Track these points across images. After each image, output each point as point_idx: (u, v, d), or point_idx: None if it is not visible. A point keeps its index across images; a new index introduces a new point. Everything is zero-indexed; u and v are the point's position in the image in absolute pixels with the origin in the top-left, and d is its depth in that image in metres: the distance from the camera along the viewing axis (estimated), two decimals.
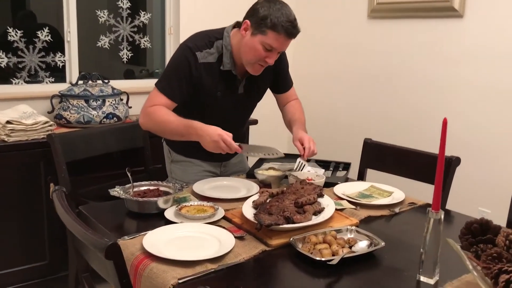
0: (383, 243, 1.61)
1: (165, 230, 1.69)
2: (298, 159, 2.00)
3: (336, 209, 1.88)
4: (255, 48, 1.98)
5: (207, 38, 2.07)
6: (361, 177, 2.59)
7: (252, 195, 2.04)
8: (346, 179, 2.38)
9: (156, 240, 1.60)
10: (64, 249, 2.71)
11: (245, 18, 2.03)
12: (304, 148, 2.11)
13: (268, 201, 1.90)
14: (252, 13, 1.99)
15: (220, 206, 1.92)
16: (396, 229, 1.86)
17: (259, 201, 1.85)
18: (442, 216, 1.42)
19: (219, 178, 2.27)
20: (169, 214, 1.84)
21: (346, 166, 2.54)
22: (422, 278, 1.45)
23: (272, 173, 2.28)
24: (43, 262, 2.82)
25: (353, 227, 1.73)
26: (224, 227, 1.75)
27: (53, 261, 2.84)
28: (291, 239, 1.62)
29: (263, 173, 2.28)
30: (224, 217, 1.84)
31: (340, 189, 2.20)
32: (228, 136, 1.92)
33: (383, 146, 2.56)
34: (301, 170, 1.96)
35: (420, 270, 1.46)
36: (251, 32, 1.98)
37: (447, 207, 2.28)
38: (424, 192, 2.43)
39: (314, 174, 2.24)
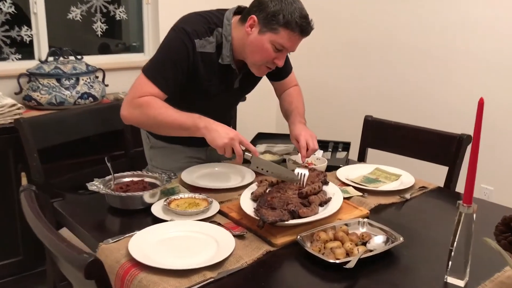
0: (401, 239, 1.42)
1: (153, 230, 1.47)
2: (297, 170, 1.74)
3: (343, 198, 1.69)
4: (263, 48, 1.70)
5: (206, 24, 1.77)
6: (362, 157, 2.40)
7: (248, 184, 1.83)
8: (347, 161, 2.19)
9: (144, 244, 1.39)
10: (39, 243, 2.47)
11: (250, 13, 1.72)
12: (302, 148, 1.85)
13: (267, 191, 1.70)
14: (259, 7, 1.69)
15: (213, 198, 1.71)
16: (410, 219, 1.68)
17: (258, 192, 1.65)
18: (475, 211, 1.23)
19: (209, 165, 2.05)
20: (156, 209, 1.63)
21: (346, 146, 2.35)
22: (450, 280, 1.28)
23: (268, 157, 2.08)
24: (17, 258, 2.60)
25: (365, 220, 1.55)
26: (220, 224, 1.55)
27: (28, 257, 2.62)
28: (298, 237, 1.42)
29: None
30: (220, 211, 1.64)
31: (343, 173, 2.01)
32: (245, 139, 1.67)
33: (385, 123, 2.37)
34: (303, 181, 1.71)
35: (448, 270, 1.28)
36: (258, 29, 1.70)
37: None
38: (431, 173, 2.26)
39: (314, 157, 2.04)
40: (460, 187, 2.17)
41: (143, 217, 1.62)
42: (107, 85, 2.96)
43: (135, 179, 1.80)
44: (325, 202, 1.65)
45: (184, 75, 1.76)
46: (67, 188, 2.24)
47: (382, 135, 2.37)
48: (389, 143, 2.35)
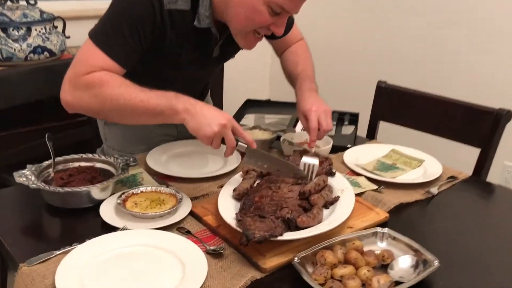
0: (436, 262, 1.04)
1: (94, 246, 1.07)
2: (304, 160, 1.32)
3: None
4: (255, 10, 1.24)
5: None
6: (372, 133, 1.99)
7: (230, 172, 1.43)
8: (355, 139, 1.78)
9: (79, 268, 1.00)
10: None
11: None
12: (312, 130, 1.38)
13: (255, 184, 1.29)
14: None
15: (185, 191, 1.31)
16: (441, 224, 1.29)
17: (242, 188, 1.24)
18: None
19: (181, 143, 1.63)
20: (107, 210, 1.22)
21: (353, 118, 1.93)
22: None
23: (257, 135, 1.66)
24: None
25: (385, 230, 1.15)
26: (190, 233, 1.15)
27: None
28: (296, 259, 1.03)
29: None
30: (191, 213, 1.23)
31: (351, 157, 1.60)
32: (239, 125, 1.23)
33: (402, 91, 1.94)
34: (312, 176, 1.29)
35: None
36: None
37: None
38: (456, 155, 1.86)
39: None
40: (493, 176, 1.78)
41: (91, 218, 1.22)
42: (68, 37, 2.48)
43: (83, 164, 1.38)
44: (331, 202, 1.25)
45: (147, 40, 1.28)
46: (10, 166, 1.82)
47: (397, 105, 1.95)
48: (406, 116, 1.93)
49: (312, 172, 1.32)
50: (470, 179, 1.54)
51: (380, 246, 1.14)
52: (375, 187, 1.41)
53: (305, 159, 1.34)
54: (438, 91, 1.88)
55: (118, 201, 1.22)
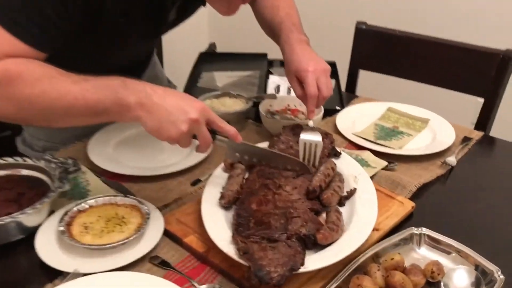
0: (499, 273, 0.80)
1: None
2: (303, 136, 1.01)
3: None
4: None
5: None
6: (352, 85, 1.70)
7: (204, 161, 1.10)
8: (341, 97, 1.48)
9: None
10: None
11: None
12: (310, 98, 1.05)
13: (244, 180, 0.98)
14: None
15: (147, 194, 0.99)
16: (476, 207, 1.05)
17: (231, 192, 0.92)
18: None
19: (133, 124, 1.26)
20: (46, 243, 0.87)
21: (331, 68, 1.62)
22: None
23: (228, 105, 1.32)
24: None
25: (423, 230, 0.89)
26: (170, 267, 0.83)
27: None
28: None
29: (212, 105, 1.31)
30: (166, 232, 0.91)
31: (345, 123, 1.31)
32: (214, 114, 0.88)
33: (387, 34, 1.65)
34: (315, 160, 1.02)
35: None
36: None
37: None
38: (452, 107, 1.64)
39: (290, 97, 1.32)
40: (498, 130, 1.57)
41: (24, 257, 0.87)
42: None
43: (2, 172, 1.00)
44: (346, 197, 0.96)
45: (76, 12, 0.89)
46: None
47: (381, 51, 1.66)
48: (391, 63, 1.66)
49: (315, 155, 1.02)
50: (486, 139, 1.31)
51: (419, 253, 0.89)
52: (385, 163, 1.14)
53: (305, 137, 1.03)
54: (429, 32, 1.60)
55: (61, 227, 0.87)
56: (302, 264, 0.77)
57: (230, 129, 0.89)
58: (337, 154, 1.07)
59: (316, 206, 0.91)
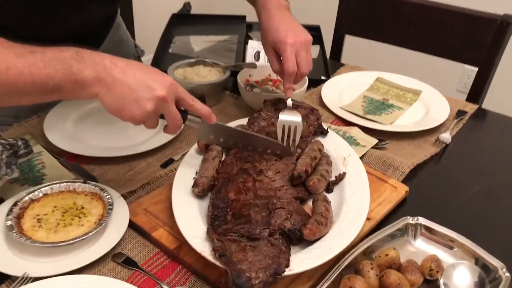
0: (504, 271, 0.72)
1: None
2: (282, 117, 0.89)
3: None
4: None
5: None
6: (337, 52, 1.58)
7: (174, 141, 0.99)
8: (326, 66, 1.36)
9: None
10: None
11: None
12: (288, 74, 0.93)
13: (221, 165, 0.87)
14: None
15: (110, 178, 0.87)
16: (473, 190, 0.96)
17: (206, 179, 0.81)
18: None
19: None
20: None
21: (314, 34, 1.48)
22: None
23: (203, 74, 1.19)
24: None
25: (419, 220, 0.80)
26: (136, 267, 0.73)
27: None
28: None
29: (185, 75, 1.18)
30: (131, 224, 0.80)
31: (331, 95, 1.20)
32: (184, 91, 0.77)
33: None
34: (295, 142, 0.87)
35: None
36: None
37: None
38: (439, 75, 1.54)
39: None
40: (492, 102, 1.48)
41: None
42: None
43: None
44: (335, 182, 0.87)
45: None
46: None
47: (369, 14, 1.54)
48: (381, 28, 1.54)
49: (295, 136, 0.91)
50: (480, 112, 1.22)
51: (415, 246, 0.80)
52: (375, 141, 1.04)
53: (283, 118, 0.91)
54: None
55: (9, 222, 0.76)
56: (287, 266, 0.67)
57: (203, 108, 0.77)
58: (323, 132, 0.97)
59: (302, 193, 0.82)
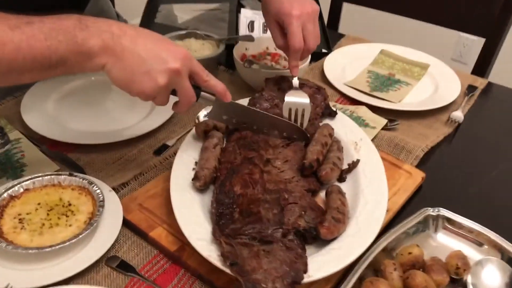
0: None
1: None
2: (288, 99, 0.79)
3: None
4: None
5: None
6: (335, 20, 1.49)
7: (167, 123, 0.90)
8: (327, 39, 1.27)
9: None
10: None
11: None
12: (294, 51, 0.84)
13: (222, 154, 0.79)
14: None
15: (98, 169, 0.79)
16: (493, 173, 0.90)
17: (208, 171, 0.73)
18: None
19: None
20: None
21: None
22: None
23: (195, 48, 1.09)
24: None
25: (441, 211, 0.74)
26: (134, 272, 0.65)
27: None
28: None
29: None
30: (126, 224, 0.72)
31: (334, 70, 1.12)
32: (199, 64, 0.69)
33: None
34: (303, 125, 0.79)
35: None
36: None
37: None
38: (440, 42, 1.46)
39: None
40: (498, 75, 1.41)
41: None
42: None
43: None
44: (347, 170, 0.79)
45: None
46: None
47: None
48: None
49: (302, 120, 0.83)
50: (491, 87, 1.15)
51: (437, 240, 0.74)
52: (384, 121, 0.96)
53: (290, 100, 0.83)
54: None
55: None
56: (305, 272, 0.60)
57: (218, 85, 0.71)
58: (332, 114, 0.89)
59: (313, 185, 0.74)
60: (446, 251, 0.71)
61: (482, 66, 1.31)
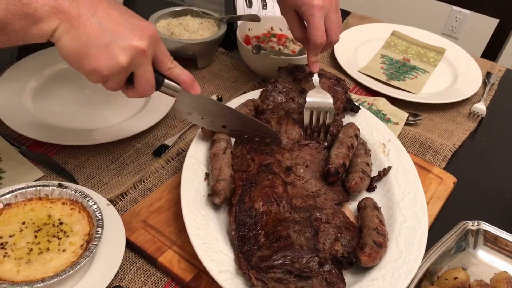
0: None
1: None
2: (309, 100, 0.68)
3: None
4: None
5: None
6: None
7: (165, 120, 0.79)
8: None
9: None
10: None
11: None
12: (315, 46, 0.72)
13: (234, 160, 0.68)
14: None
15: (88, 175, 0.68)
16: None
17: (223, 183, 0.62)
18: None
19: (48, 53, 0.88)
20: None
21: None
22: None
23: (194, 27, 0.96)
24: None
25: (481, 225, 0.67)
26: None
27: None
28: None
29: (171, 29, 0.94)
30: (131, 246, 0.61)
31: (344, 55, 1.02)
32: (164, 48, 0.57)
33: None
34: (326, 130, 0.69)
35: None
36: None
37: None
38: (431, 15, 1.39)
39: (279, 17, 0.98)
40: (508, 57, 1.34)
41: None
42: None
43: None
44: (378, 178, 0.70)
45: None
46: None
47: None
48: None
49: (326, 122, 0.73)
50: (510, 73, 1.07)
51: (478, 258, 0.67)
52: (405, 115, 0.88)
53: (311, 100, 0.72)
54: None
55: None
56: None
57: (183, 74, 0.60)
58: (354, 109, 0.79)
59: (342, 197, 0.65)
60: (489, 272, 0.64)
61: (494, 49, 1.23)
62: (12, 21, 0.48)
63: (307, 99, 0.72)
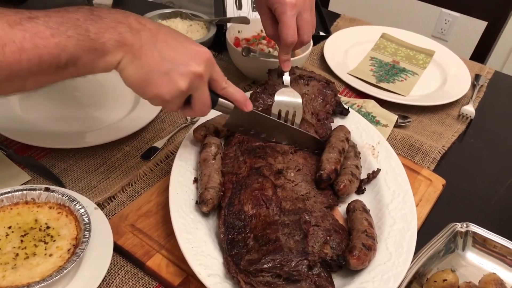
0: None
1: None
2: (277, 98, 0.67)
3: None
4: None
5: None
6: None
7: (156, 121, 0.79)
8: (323, 20, 1.16)
9: None
10: None
11: None
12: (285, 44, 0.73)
13: (224, 165, 0.68)
14: None
15: (76, 178, 0.67)
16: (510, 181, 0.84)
17: (211, 191, 0.61)
18: None
19: None
20: None
21: None
22: None
23: (183, 29, 0.96)
24: None
25: (470, 227, 0.67)
26: None
27: None
28: None
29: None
30: (118, 250, 0.61)
31: (334, 57, 1.02)
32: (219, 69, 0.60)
33: None
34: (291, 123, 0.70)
35: None
36: None
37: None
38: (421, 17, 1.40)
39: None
40: (496, 59, 1.35)
41: None
42: None
43: None
44: (368, 180, 0.70)
45: None
46: None
47: None
48: None
49: (293, 121, 0.73)
50: (498, 75, 1.08)
51: (466, 259, 0.67)
52: (394, 118, 0.88)
53: (280, 99, 0.72)
54: None
55: None
56: None
57: (237, 93, 0.62)
58: (344, 112, 0.79)
59: (332, 200, 0.65)
60: (478, 273, 0.64)
61: (483, 51, 1.24)
62: (82, 56, 0.51)
63: (275, 98, 0.72)
